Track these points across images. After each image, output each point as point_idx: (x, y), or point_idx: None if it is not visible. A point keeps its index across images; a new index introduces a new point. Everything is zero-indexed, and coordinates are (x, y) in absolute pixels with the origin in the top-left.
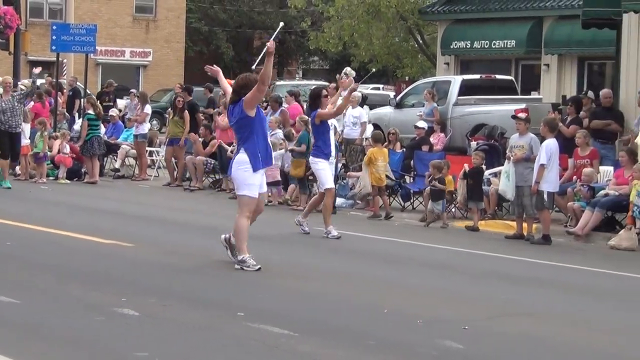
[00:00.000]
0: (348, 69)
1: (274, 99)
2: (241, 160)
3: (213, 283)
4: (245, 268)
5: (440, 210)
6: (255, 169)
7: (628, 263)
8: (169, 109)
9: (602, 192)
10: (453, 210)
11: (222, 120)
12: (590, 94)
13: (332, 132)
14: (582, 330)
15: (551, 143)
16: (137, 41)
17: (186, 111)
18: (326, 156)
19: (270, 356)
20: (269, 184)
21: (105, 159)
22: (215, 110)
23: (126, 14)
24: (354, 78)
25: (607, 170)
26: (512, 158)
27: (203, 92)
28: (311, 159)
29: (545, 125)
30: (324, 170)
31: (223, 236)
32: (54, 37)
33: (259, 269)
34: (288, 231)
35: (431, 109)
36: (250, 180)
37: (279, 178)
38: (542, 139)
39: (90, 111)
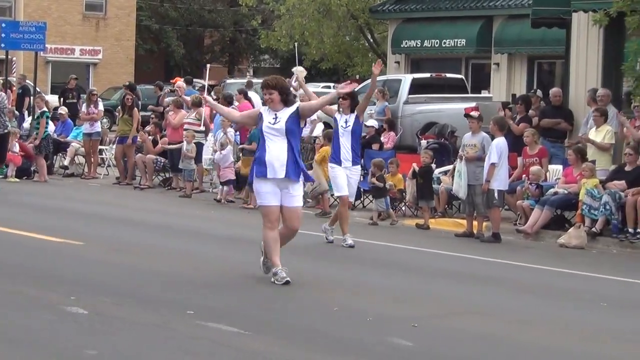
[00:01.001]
0: (299, 68)
1: (224, 97)
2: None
3: (163, 281)
4: (276, 281)
5: (383, 208)
6: (256, 174)
7: (577, 261)
8: (119, 107)
9: (552, 190)
10: (403, 208)
11: (174, 118)
12: (539, 92)
13: (344, 136)
14: (531, 327)
15: (501, 142)
16: (87, 39)
17: (135, 109)
18: (336, 162)
19: (221, 354)
20: (222, 183)
21: (54, 157)
22: (167, 108)
23: (76, 11)
24: (305, 77)
25: (556, 168)
26: (464, 157)
27: (153, 90)
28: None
29: (495, 123)
30: (335, 177)
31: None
32: (2, 35)
33: (287, 282)
34: (239, 230)
35: (383, 108)
36: (258, 188)
37: (232, 177)
38: (492, 138)
39: (45, 109)
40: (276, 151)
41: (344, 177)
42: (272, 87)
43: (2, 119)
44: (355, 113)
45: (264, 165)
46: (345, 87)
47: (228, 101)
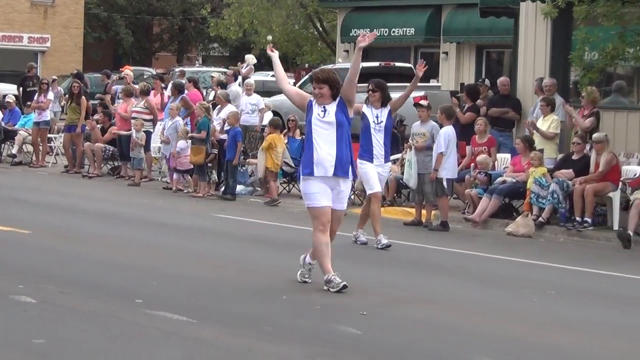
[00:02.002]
0: (250, 56)
1: (174, 85)
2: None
3: (112, 270)
4: (330, 289)
5: None
6: (303, 173)
7: (524, 249)
8: (66, 95)
9: (500, 179)
10: (352, 197)
11: (122, 109)
12: (487, 82)
13: (377, 132)
14: (479, 315)
15: (448, 130)
16: (35, 27)
17: (83, 97)
18: (368, 159)
19: (167, 343)
20: (180, 171)
21: (2, 145)
22: (116, 95)
23: None
24: (254, 65)
25: (504, 157)
26: (413, 146)
27: (100, 78)
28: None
29: (442, 112)
30: (367, 173)
31: (302, 256)
32: None
33: (344, 286)
34: (188, 219)
35: None
36: (307, 189)
37: (190, 166)
38: (440, 126)
39: None
40: (325, 147)
41: (375, 174)
42: (322, 82)
43: None
44: (388, 108)
45: (312, 163)
46: (365, 39)
47: (179, 90)
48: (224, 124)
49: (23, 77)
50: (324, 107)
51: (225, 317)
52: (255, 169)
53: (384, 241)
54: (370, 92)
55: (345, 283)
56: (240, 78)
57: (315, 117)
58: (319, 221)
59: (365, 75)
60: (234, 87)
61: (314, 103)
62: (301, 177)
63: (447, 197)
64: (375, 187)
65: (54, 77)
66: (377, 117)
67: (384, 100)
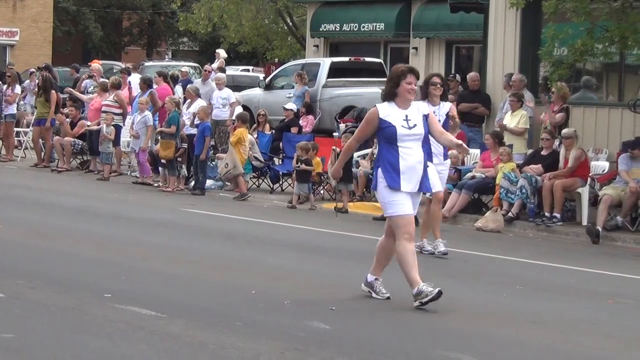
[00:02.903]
0: (221, 51)
1: (143, 80)
2: (379, 174)
3: (81, 265)
4: (422, 300)
5: (306, 192)
6: (391, 186)
7: (494, 244)
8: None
9: (469, 174)
10: (322, 192)
11: (98, 104)
12: (458, 77)
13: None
14: (448, 311)
15: None
16: (4, 20)
17: (53, 91)
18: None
19: (135, 337)
20: (162, 165)
21: None
22: (90, 90)
23: None
24: (224, 59)
25: (473, 153)
26: None
27: (70, 72)
28: None
29: None
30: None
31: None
32: None
33: (439, 292)
34: (158, 213)
35: (302, 92)
36: (389, 197)
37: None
38: None
39: None
40: (413, 161)
41: (435, 173)
42: (417, 76)
43: None
44: (447, 104)
45: (398, 176)
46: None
47: (147, 84)
48: (194, 118)
49: (1, 73)
50: (405, 115)
51: (195, 312)
52: (225, 164)
53: (442, 248)
54: (434, 87)
55: (440, 289)
56: (213, 73)
57: (400, 131)
58: (405, 230)
59: (336, 70)
60: (211, 84)
61: (384, 111)
62: (384, 186)
63: None
64: (435, 187)
65: (32, 69)
66: (434, 113)
67: (445, 96)
